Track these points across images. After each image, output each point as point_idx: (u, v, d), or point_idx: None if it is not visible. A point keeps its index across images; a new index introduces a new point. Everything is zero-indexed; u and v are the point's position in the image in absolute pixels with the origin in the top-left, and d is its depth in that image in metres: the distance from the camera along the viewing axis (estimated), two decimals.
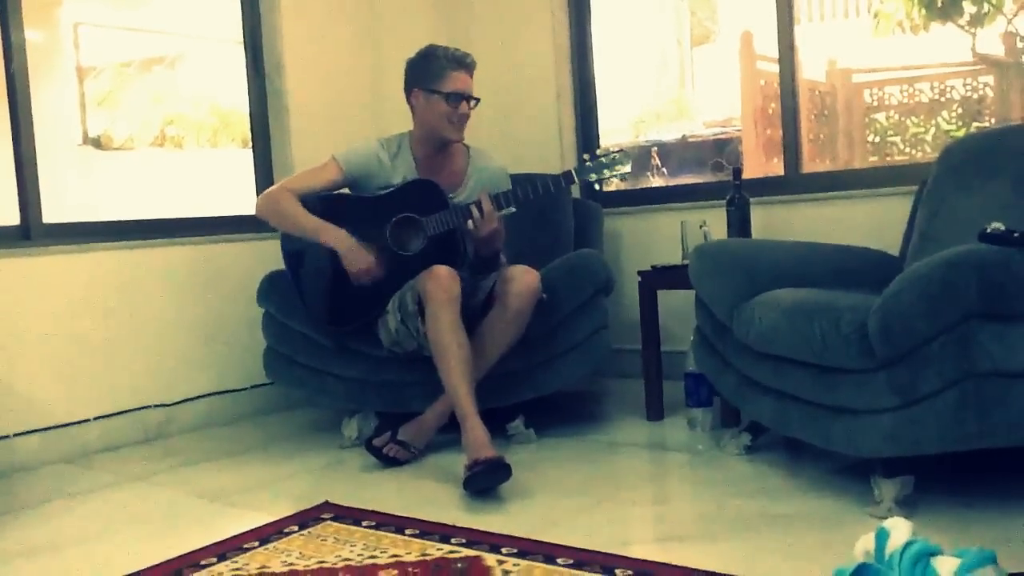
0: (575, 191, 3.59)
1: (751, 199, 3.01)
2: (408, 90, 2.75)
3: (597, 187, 2.69)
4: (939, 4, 5.83)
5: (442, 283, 2.46)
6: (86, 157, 6.29)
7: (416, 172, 2.76)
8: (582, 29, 3.91)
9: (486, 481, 2.20)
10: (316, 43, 3.66)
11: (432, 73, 2.68)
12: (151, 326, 3.14)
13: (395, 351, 2.69)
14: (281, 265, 2.98)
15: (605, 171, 2.65)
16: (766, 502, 2.08)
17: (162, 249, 3.19)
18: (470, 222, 2.57)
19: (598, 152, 2.71)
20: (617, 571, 1.70)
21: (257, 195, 3.55)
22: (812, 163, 5.78)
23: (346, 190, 2.81)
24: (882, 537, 1.34)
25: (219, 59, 6.05)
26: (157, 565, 1.89)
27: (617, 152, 2.68)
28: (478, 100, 2.74)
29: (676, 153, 7.58)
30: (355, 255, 2.63)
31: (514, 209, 2.73)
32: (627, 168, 2.66)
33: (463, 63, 2.69)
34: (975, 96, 5.81)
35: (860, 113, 6.32)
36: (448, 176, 2.77)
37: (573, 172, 2.65)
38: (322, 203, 2.72)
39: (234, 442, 3.03)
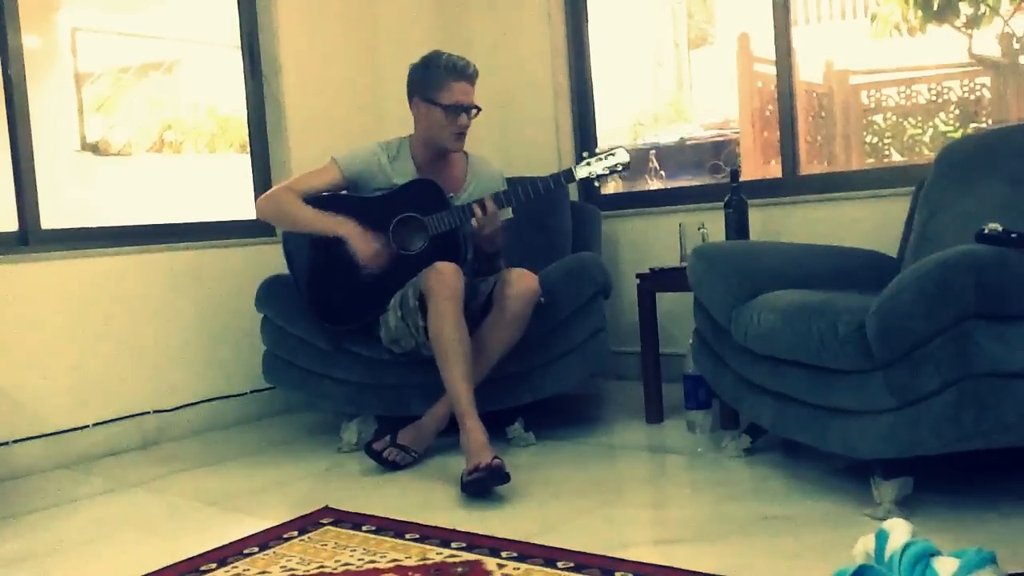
0: (573, 193, 3.60)
1: (749, 201, 3.01)
2: (409, 97, 2.76)
3: (596, 183, 2.72)
4: (935, 6, 5.84)
5: (445, 279, 2.47)
6: (84, 163, 6.28)
7: (416, 176, 2.77)
8: (579, 31, 3.91)
9: (485, 486, 2.20)
10: (314, 46, 3.66)
11: (432, 83, 2.69)
12: (150, 331, 3.14)
13: (393, 350, 2.70)
14: (279, 269, 2.98)
15: (604, 168, 2.67)
16: (766, 504, 2.09)
17: (161, 254, 3.19)
18: (474, 220, 2.59)
19: (596, 150, 2.74)
20: (617, 574, 1.70)
21: (255, 199, 3.56)
22: (810, 165, 5.79)
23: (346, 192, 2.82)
24: (882, 538, 1.34)
25: (217, 64, 6.05)
26: (157, 571, 1.88)
27: (615, 148, 2.71)
28: (479, 109, 2.75)
29: (674, 155, 7.59)
30: (363, 239, 2.65)
31: (511, 215, 2.80)
32: (625, 159, 2.68)
33: (463, 73, 2.68)
34: (972, 97, 5.82)
35: (857, 115, 6.33)
36: (448, 180, 2.79)
37: (573, 170, 2.67)
38: (323, 203, 2.74)
39: (233, 447, 3.03)
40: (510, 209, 2.81)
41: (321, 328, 2.81)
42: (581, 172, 2.67)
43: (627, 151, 2.71)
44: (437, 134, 2.72)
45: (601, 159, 2.68)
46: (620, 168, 2.69)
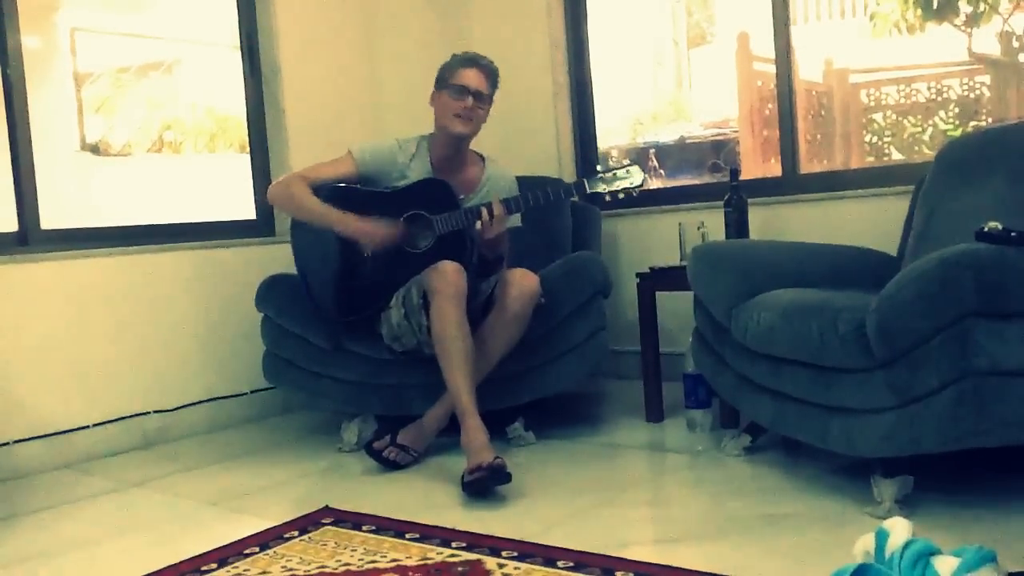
0: None
1: (749, 200, 3.01)
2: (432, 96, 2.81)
3: (608, 199, 2.65)
4: (935, 4, 5.84)
5: (448, 278, 2.47)
6: (84, 163, 6.28)
7: (431, 174, 2.78)
8: (578, 30, 3.91)
9: (486, 486, 2.20)
10: (313, 46, 3.66)
11: (446, 73, 2.77)
12: (150, 331, 3.14)
13: (394, 348, 2.70)
14: (279, 269, 2.99)
15: (616, 184, 2.65)
16: (766, 503, 2.09)
17: (161, 255, 3.19)
18: (479, 223, 2.59)
19: (611, 165, 2.73)
20: (617, 574, 1.70)
21: (255, 199, 3.57)
22: (809, 164, 5.79)
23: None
24: (882, 537, 1.34)
25: (216, 64, 6.04)
26: (158, 571, 1.88)
27: (630, 166, 2.67)
28: (489, 100, 2.77)
29: (674, 154, 7.59)
30: (364, 232, 2.65)
31: (520, 224, 2.81)
32: (639, 181, 2.66)
33: (475, 62, 2.75)
34: (972, 96, 5.82)
35: (857, 113, 6.33)
36: (463, 181, 2.80)
37: (585, 183, 2.65)
38: (334, 195, 2.75)
39: (234, 447, 3.03)
40: (519, 216, 2.81)
41: (322, 325, 2.81)
42: (594, 187, 2.63)
43: (642, 170, 2.66)
44: (445, 119, 2.74)
45: (616, 178, 2.65)
46: (633, 189, 2.66)
